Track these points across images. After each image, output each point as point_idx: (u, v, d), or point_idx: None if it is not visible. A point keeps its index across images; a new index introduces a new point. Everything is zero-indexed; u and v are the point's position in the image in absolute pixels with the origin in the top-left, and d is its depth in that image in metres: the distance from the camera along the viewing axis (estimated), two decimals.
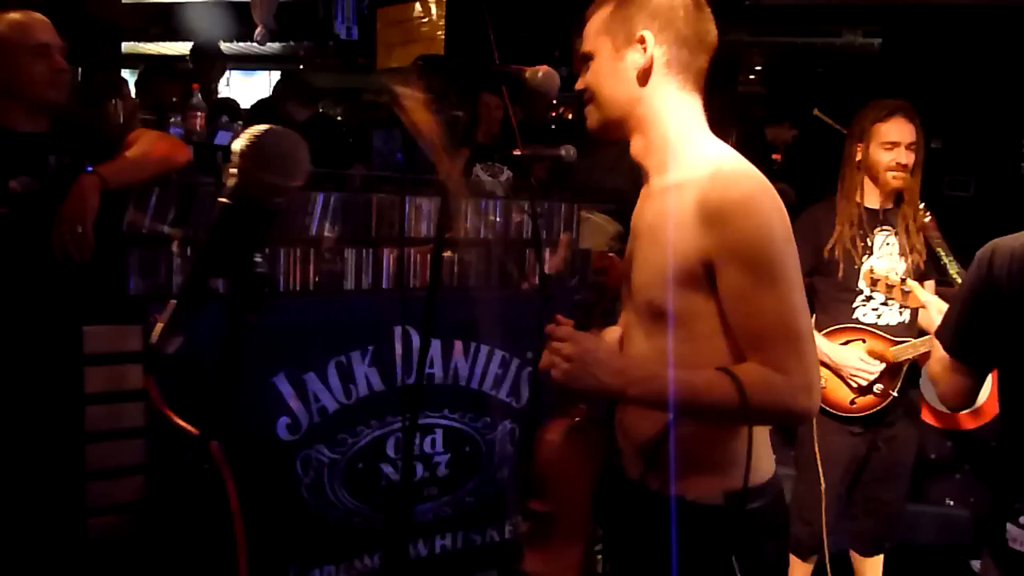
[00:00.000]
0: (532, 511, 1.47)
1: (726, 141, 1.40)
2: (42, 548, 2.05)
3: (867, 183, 2.68)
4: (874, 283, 2.40)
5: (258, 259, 0.96)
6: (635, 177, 1.45)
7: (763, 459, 1.39)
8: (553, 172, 3.52)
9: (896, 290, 2.34)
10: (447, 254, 2.78)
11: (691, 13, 1.38)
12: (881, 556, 2.84)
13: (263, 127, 0.96)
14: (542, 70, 1.35)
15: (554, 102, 6.17)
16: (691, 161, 1.34)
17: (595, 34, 1.39)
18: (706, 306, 1.30)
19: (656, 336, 1.36)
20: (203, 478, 0.90)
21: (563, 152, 2.08)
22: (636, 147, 1.41)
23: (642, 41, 1.36)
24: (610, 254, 1.45)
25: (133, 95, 4.33)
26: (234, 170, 0.94)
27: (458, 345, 2.68)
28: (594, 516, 1.51)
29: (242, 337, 0.96)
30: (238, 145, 0.95)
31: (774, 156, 5.30)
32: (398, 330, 2.53)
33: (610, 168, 3.72)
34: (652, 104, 1.37)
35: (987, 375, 1.73)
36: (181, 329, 0.94)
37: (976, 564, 3.18)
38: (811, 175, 3.04)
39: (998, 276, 1.59)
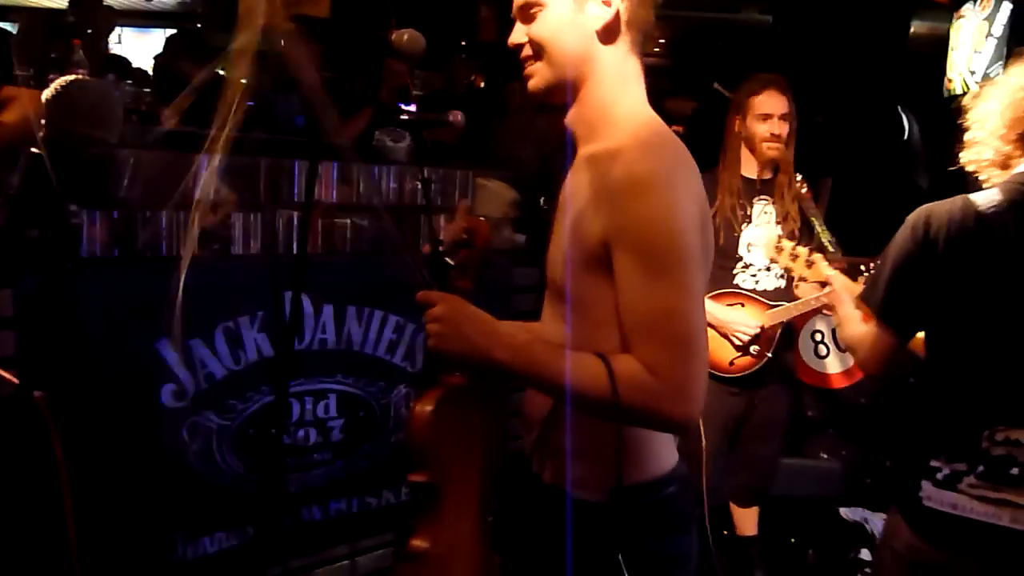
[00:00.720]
0: (412, 483, 1.41)
1: None
2: None
3: (745, 154, 2.81)
4: (779, 251, 2.45)
5: (72, 209, 0.95)
6: (542, 146, 1.44)
7: (659, 453, 1.31)
8: (455, 138, 3.53)
9: (800, 260, 2.39)
10: (342, 220, 2.76)
11: None
12: (757, 508, 3.03)
13: (70, 77, 0.95)
14: (407, 33, 1.34)
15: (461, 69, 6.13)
16: (617, 129, 1.24)
17: None
18: (606, 291, 1.19)
19: (558, 318, 1.30)
20: (27, 426, 0.89)
21: (451, 118, 2.09)
22: (571, 113, 1.29)
23: None
24: (479, 218, 1.45)
25: (13, 50, 4.09)
26: (43, 120, 0.92)
27: (351, 310, 2.68)
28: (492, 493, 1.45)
29: (60, 287, 0.95)
30: (45, 95, 0.94)
31: (675, 128, 5.44)
32: (288, 295, 2.50)
33: (516, 136, 3.74)
34: (601, 65, 1.26)
35: (911, 338, 1.73)
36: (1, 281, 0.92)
37: (846, 512, 3.41)
38: (711, 147, 3.15)
39: (934, 240, 1.60)
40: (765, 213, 2.82)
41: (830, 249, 2.77)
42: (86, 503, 0.98)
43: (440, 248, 1.40)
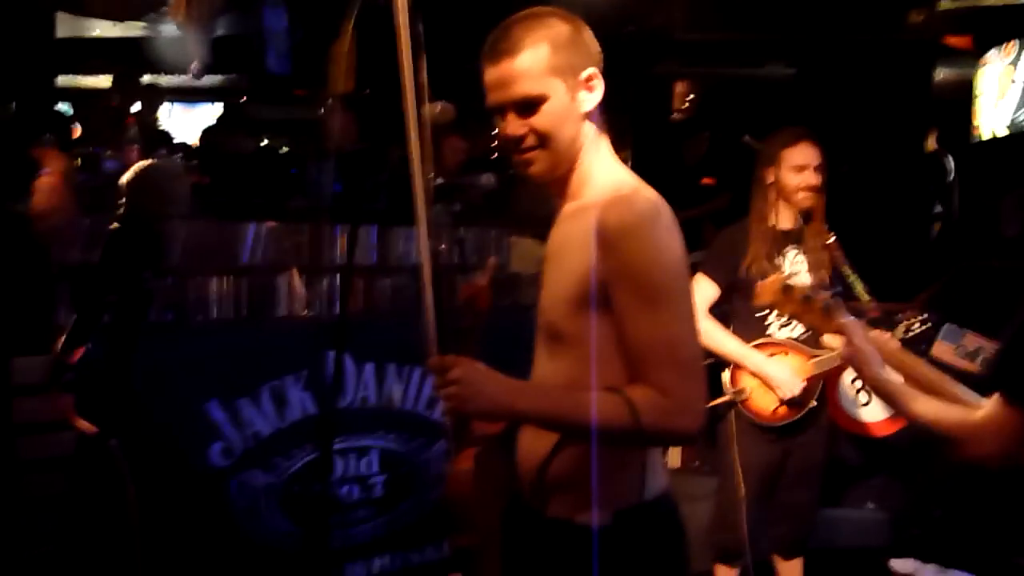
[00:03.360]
0: (458, 548, 1.47)
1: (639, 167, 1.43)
2: None
3: (779, 205, 2.85)
4: (785, 293, 2.20)
5: (146, 276, 1.05)
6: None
7: (653, 475, 1.40)
8: (486, 199, 3.64)
9: (815, 306, 2.02)
10: (382, 281, 2.87)
11: (595, 41, 1.39)
12: (801, 559, 2.98)
13: (146, 163, 1.06)
14: (439, 105, 1.44)
15: (495, 132, 6.30)
16: (598, 186, 1.37)
17: (540, 76, 1.34)
18: (602, 328, 1.31)
19: (556, 357, 1.39)
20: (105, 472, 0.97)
21: (483, 180, 2.19)
22: (559, 180, 1.40)
23: (592, 79, 1.36)
24: (480, 282, 1.52)
25: (78, 129, 4.35)
26: (122, 200, 1.04)
27: (391, 368, 2.75)
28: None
29: (132, 345, 1.04)
30: (124, 179, 1.06)
31: (706, 180, 5.50)
32: (331, 355, 2.59)
33: (543, 194, 3.85)
34: (585, 138, 1.39)
35: None
36: (82, 340, 1.02)
37: (896, 564, 3.32)
38: (740, 196, 3.21)
39: None
40: (797, 262, 2.84)
41: (866, 298, 2.78)
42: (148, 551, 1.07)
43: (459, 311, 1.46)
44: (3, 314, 2.13)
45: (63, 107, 4.82)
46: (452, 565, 1.47)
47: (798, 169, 2.78)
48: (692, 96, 6.99)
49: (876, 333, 1.83)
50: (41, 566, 2.13)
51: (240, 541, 2.48)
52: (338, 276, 2.78)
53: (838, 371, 3.10)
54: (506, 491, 1.52)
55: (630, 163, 1.71)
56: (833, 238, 2.87)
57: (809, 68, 5.04)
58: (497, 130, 1.43)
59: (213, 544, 2.41)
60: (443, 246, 2.85)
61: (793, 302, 1.81)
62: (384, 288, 2.88)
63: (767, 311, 2.80)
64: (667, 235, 1.31)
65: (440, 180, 2.05)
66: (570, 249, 1.35)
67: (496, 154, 5.46)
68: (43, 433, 2.15)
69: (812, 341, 2.80)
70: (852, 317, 1.90)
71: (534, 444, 1.42)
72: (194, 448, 2.34)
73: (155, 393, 2.13)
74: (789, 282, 1.82)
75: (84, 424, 0.97)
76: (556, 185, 1.43)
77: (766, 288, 1.80)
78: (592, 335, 1.33)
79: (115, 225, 1.02)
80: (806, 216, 2.85)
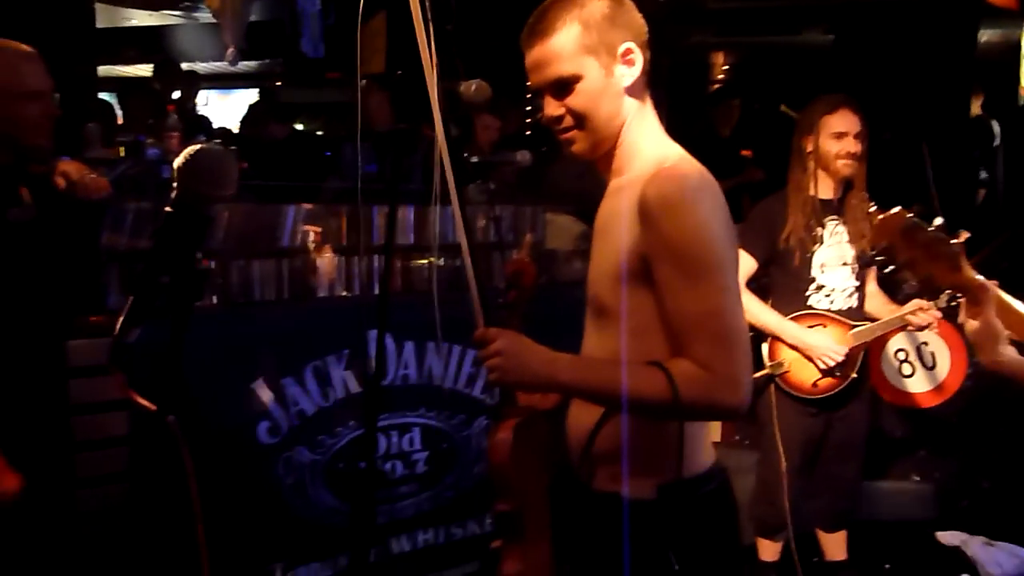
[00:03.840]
0: (499, 512, 1.49)
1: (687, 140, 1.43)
2: (34, 521, 2.13)
3: (818, 174, 2.80)
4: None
5: (198, 256, 1.09)
6: (603, 180, 1.53)
7: (700, 450, 1.41)
8: (521, 177, 3.64)
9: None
10: (423, 261, 2.89)
11: (637, 13, 1.39)
12: (844, 532, 2.97)
13: (196, 146, 1.10)
14: (474, 84, 1.44)
15: (528, 108, 6.31)
16: (643, 161, 1.38)
17: (572, 56, 1.35)
18: (646, 302, 1.32)
19: (603, 331, 1.41)
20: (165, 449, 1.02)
21: (518, 157, 2.20)
22: (604, 156, 1.41)
23: (628, 54, 1.36)
24: (524, 258, 1.54)
25: (120, 118, 4.45)
26: (174, 184, 1.09)
27: (431, 346, 2.78)
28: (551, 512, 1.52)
29: (186, 325, 1.09)
30: (177, 163, 1.10)
31: (744, 152, 5.43)
32: (372, 334, 2.63)
33: (579, 170, 3.84)
34: (629, 114, 1.39)
35: None
36: (138, 321, 1.06)
37: (943, 536, 3.29)
38: (778, 168, 3.17)
39: None
40: (836, 233, 2.81)
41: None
42: (205, 522, 1.12)
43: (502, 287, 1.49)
44: (58, 299, 2.20)
45: (106, 96, 4.91)
46: (494, 533, 1.50)
47: (838, 136, 2.73)
48: (728, 66, 6.88)
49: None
50: (102, 542, 2.21)
51: (288, 516, 2.54)
52: (377, 256, 2.81)
53: (880, 342, 3.07)
54: (552, 462, 1.55)
55: None
56: (874, 207, 2.82)
57: (848, 33, 4.92)
58: (534, 108, 1.44)
59: (263, 519, 2.48)
60: (480, 224, 2.86)
61: (915, 245, 1.47)
62: (422, 267, 2.91)
63: (807, 283, 2.78)
64: (710, 208, 1.31)
65: (475, 158, 2.05)
66: (615, 224, 1.37)
67: (530, 131, 5.45)
68: (99, 413, 2.23)
69: (853, 314, 2.77)
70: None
71: (581, 417, 1.45)
72: (243, 426, 2.41)
73: (204, 373, 2.19)
74: (916, 220, 1.48)
75: (143, 401, 1.02)
76: (601, 161, 1.44)
77: (887, 225, 1.49)
78: (634, 309, 1.34)
79: (168, 209, 1.07)
80: (847, 185, 2.80)
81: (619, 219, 1.35)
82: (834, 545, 2.96)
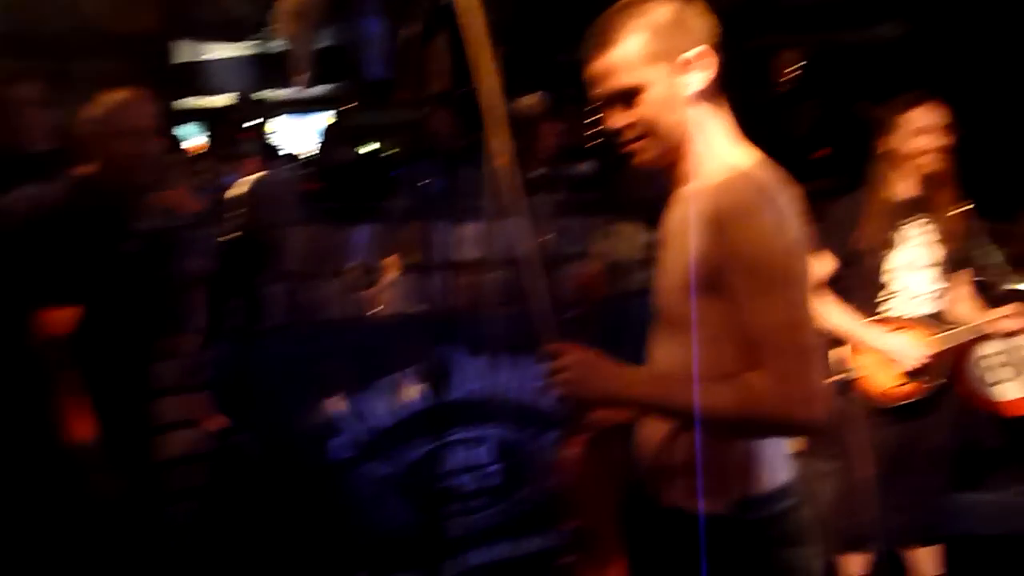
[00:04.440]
0: (570, 528, 1.48)
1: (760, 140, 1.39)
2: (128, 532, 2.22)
3: (899, 172, 2.70)
4: None
5: (264, 277, 1.12)
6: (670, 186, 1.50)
7: (776, 465, 1.36)
8: (585, 187, 3.63)
9: None
10: (491, 274, 2.91)
11: (707, 16, 1.34)
12: (938, 547, 2.82)
13: (256, 175, 1.13)
14: (532, 98, 1.44)
15: (591, 118, 6.30)
16: (715, 167, 1.33)
17: (638, 65, 1.31)
18: (717, 313, 1.28)
19: (672, 343, 1.38)
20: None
21: (582, 167, 2.19)
22: (673, 164, 1.37)
23: (698, 58, 1.31)
24: (592, 270, 1.52)
25: (208, 145, 4.65)
26: (236, 212, 1.12)
27: (503, 359, 2.79)
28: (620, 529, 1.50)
29: (254, 344, 1.11)
30: (241, 190, 1.13)
31: (819, 154, 5.28)
32: (443, 349, 2.66)
33: (642, 179, 3.80)
34: (697, 120, 1.34)
35: None
36: (211, 342, 1.10)
37: None
38: (854, 169, 3.08)
39: None
40: (917, 235, 2.69)
41: (1005, 269, 2.61)
42: (281, 535, 1.15)
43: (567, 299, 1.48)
44: (142, 323, 2.30)
45: (189, 127, 5.14)
46: (566, 549, 1.48)
47: (920, 132, 2.61)
48: (798, 64, 6.71)
49: None
50: (183, 554, 2.29)
51: (366, 530, 2.59)
52: (445, 272, 2.85)
53: (968, 347, 2.93)
54: (622, 478, 1.52)
55: None
56: (970, 206, 2.68)
57: (925, 25, 4.73)
58: (597, 119, 1.42)
59: (342, 532, 2.53)
60: (545, 236, 2.87)
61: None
62: (490, 281, 2.93)
63: (883, 287, 2.67)
64: (784, 217, 1.25)
65: (539, 171, 2.06)
66: (684, 234, 1.33)
67: (594, 141, 5.44)
68: (180, 430, 2.31)
69: (934, 320, 2.65)
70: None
71: (651, 431, 1.42)
72: (317, 441, 2.46)
73: (279, 390, 2.26)
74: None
75: (218, 420, 1.06)
76: (670, 170, 1.39)
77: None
78: (704, 320, 1.30)
79: (233, 233, 1.11)
80: (932, 183, 2.69)
81: (689, 228, 1.31)
82: (926, 561, 2.82)
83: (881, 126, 2.73)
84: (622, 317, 1.67)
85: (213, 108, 7.68)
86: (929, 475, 2.72)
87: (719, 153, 1.36)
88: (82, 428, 2.15)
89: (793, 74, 5.56)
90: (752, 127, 1.44)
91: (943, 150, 2.60)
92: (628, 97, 1.33)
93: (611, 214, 2.97)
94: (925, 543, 2.81)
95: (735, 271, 1.25)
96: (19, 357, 2.18)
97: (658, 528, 1.41)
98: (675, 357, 1.36)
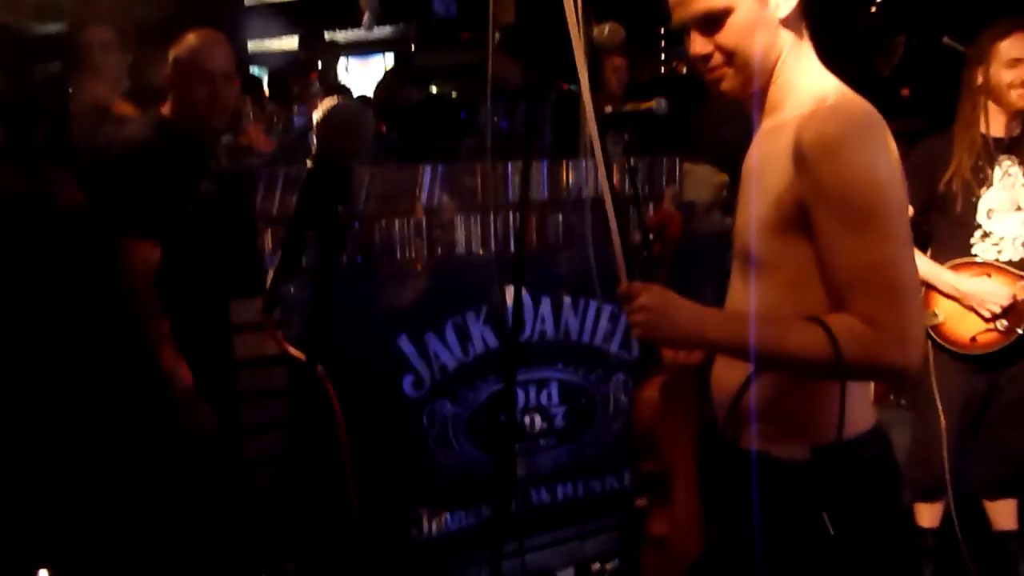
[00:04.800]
0: (645, 473, 1.47)
1: (843, 77, 1.32)
2: (208, 466, 2.33)
3: (990, 108, 2.56)
4: None
5: (340, 209, 1.14)
6: (747, 126, 1.45)
7: (858, 411, 1.31)
8: (658, 126, 3.54)
9: None
10: (555, 215, 2.89)
11: None
12: (1014, 500, 2.75)
13: (333, 101, 1.14)
14: (607, 27, 1.40)
15: (663, 56, 6.11)
16: (800, 98, 1.28)
17: None
18: (802, 252, 1.24)
19: (751, 284, 1.33)
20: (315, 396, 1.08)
21: (655, 105, 2.12)
22: (756, 94, 1.33)
23: None
24: (669, 209, 1.49)
25: (267, 91, 4.71)
26: (314, 139, 1.14)
27: (567, 301, 2.79)
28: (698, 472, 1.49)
29: (331, 278, 1.14)
30: (315, 117, 1.14)
31: (904, 91, 5.04)
32: (509, 289, 2.66)
33: (719, 118, 3.68)
34: (785, 47, 1.30)
35: None
36: (288, 276, 1.13)
37: None
38: (939, 106, 2.92)
39: None
40: (1009, 175, 2.56)
41: None
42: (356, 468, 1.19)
43: (648, 237, 1.45)
44: (220, 262, 2.37)
45: (256, 70, 5.19)
46: (637, 491, 1.49)
47: (1013, 64, 2.46)
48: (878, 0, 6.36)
49: None
50: (265, 486, 2.40)
51: (434, 466, 2.65)
52: (512, 212, 2.83)
53: None
54: (698, 420, 1.51)
55: None
56: None
57: None
58: (668, 55, 1.38)
59: (410, 467, 2.60)
60: (615, 176, 2.82)
61: None
62: (556, 223, 2.91)
63: (972, 229, 2.56)
64: (876, 149, 1.20)
65: (608, 108, 2.00)
66: (768, 168, 1.28)
67: (664, 77, 5.28)
68: (259, 367, 2.39)
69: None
70: None
71: (727, 374, 1.39)
72: (388, 380, 2.52)
73: (351, 329, 2.31)
74: None
75: (295, 352, 1.09)
76: (753, 100, 1.34)
77: None
78: (789, 260, 1.25)
79: (309, 164, 1.13)
80: None
81: (773, 163, 1.26)
82: (1003, 514, 2.76)
83: (972, 58, 2.58)
84: (692, 261, 1.63)
85: (283, 50, 7.75)
86: (1011, 428, 2.65)
87: (806, 83, 1.30)
88: (177, 364, 2.26)
89: (874, 8, 5.28)
90: (836, 64, 1.37)
91: None
92: (713, 21, 1.28)
93: (683, 155, 2.89)
94: (1003, 496, 2.75)
95: (823, 207, 1.19)
96: (113, 293, 2.28)
97: (736, 472, 1.38)
98: (756, 300, 1.32)
